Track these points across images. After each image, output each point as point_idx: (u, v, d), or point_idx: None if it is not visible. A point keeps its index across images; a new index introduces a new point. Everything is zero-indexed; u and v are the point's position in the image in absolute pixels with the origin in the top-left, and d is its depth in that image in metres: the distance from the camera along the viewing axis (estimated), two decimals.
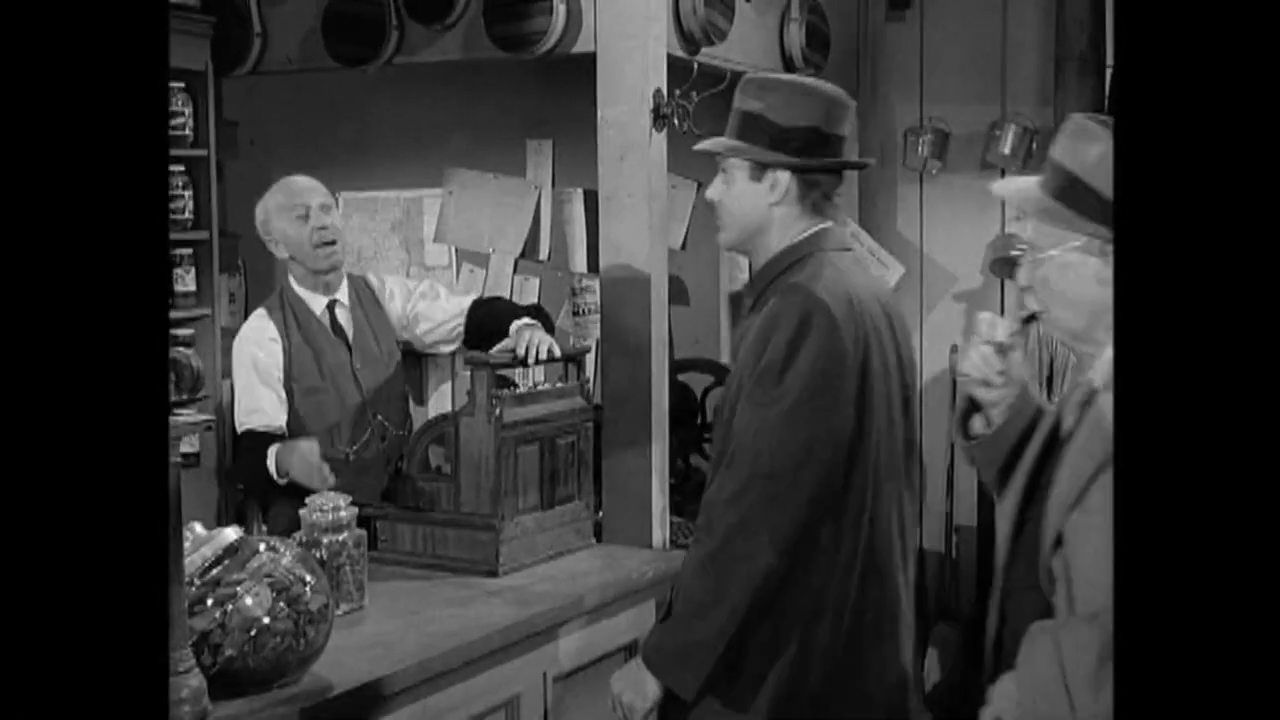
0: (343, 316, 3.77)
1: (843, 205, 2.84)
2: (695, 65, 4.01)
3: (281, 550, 2.60)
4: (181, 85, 4.95)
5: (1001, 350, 2.17)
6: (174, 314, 5.04)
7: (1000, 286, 5.24)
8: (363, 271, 4.12)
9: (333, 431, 3.66)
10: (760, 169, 2.61)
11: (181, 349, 2.53)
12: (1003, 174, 5.00)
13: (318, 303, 3.74)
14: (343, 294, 3.78)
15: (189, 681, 2.30)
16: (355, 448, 3.66)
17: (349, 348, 3.74)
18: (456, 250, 5.51)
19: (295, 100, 5.57)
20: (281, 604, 2.51)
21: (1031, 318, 2.12)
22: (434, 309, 3.91)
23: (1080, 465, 1.97)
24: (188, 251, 5.08)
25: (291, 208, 3.72)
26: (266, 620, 2.49)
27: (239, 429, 3.76)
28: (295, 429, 3.68)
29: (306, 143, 5.66)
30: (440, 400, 5.42)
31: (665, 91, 3.81)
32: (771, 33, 4.65)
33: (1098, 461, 1.91)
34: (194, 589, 2.49)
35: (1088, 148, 2.04)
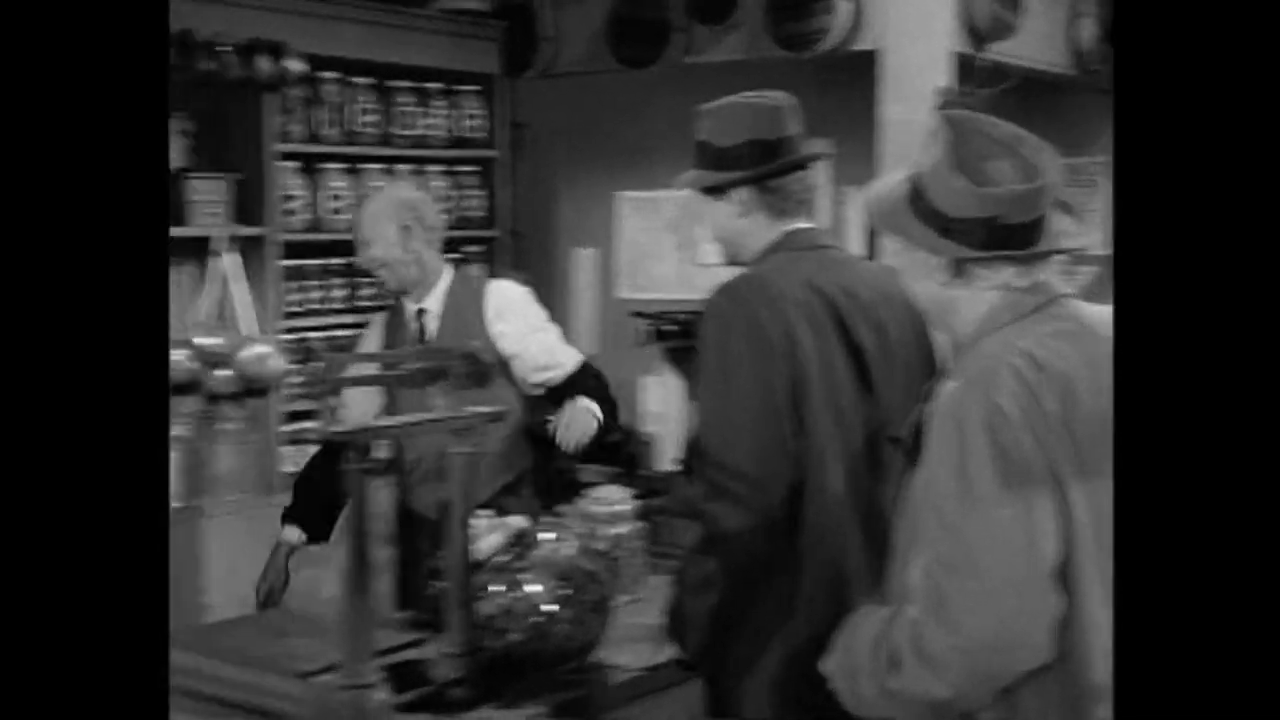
0: (430, 324, 3.65)
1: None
2: (983, 61, 3.93)
3: (565, 540, 2.67)
4: (476, 88, 5.14)
5: None
6: None
7: None
8: (479, 277, 4.01)
9: (404, 440, 3.54)
10: (719, 190, 2.70)
11: (476, 344, 2.62)
12: None
13: (410, 308, 3.66)
14: (431, 302, 3.64)
15: (372, 696, 2.33)
16: (418, 459, 3.57)
17: None
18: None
19: (581, 102, 5.70)
20: (564, 592, 2.57)
21: None
22: (532, 346, 3.69)
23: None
24: (478, 250, 5.27)
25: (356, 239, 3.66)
26: (550, 608, 2.56)
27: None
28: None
29: (588, 143, 5.79)
30: None
31: (953, 89, 3.75)
32: (1060, 28, 4.52)
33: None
34: (481, 575, 2.58)
35: (931, 148, 2.02)
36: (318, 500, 3.42)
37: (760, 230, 2.69)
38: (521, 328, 3.63)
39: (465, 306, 3.62)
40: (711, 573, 2.56)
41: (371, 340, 3.74)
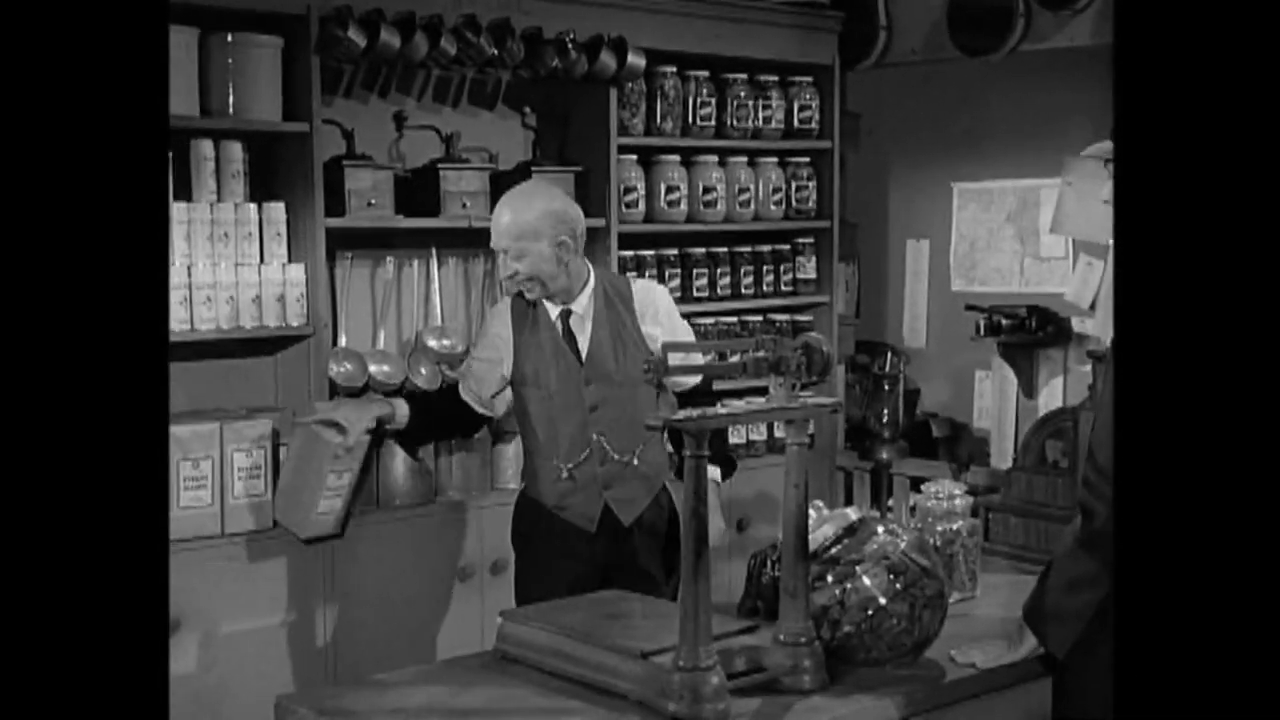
0: (576, 326, 3.50)
1: None
2: None
3: (900, 534, 2.65)
4: (810, 79, 5.15)
5: None
6: (796, 300, 5.26)
7: None
8: (620, 278, 3.79)
9: (554, 442, 3.49)
10: None
11: (813, 335, 2.63)
12: None
13: (553, 310, 3.50)
14: (579, 304, 3.49)
15: (710, 679, 2.35)
16: (571, 466, 3.48)
17: (580, 360, 3.50)
18: (1073, 242, 5.37)
19: (915, 91, 5.64)
20: (898, 586, 2.56)
21: None
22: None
23: None
24: (809, 240, 5.28)
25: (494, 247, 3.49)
26: (884, 601, 2.55)
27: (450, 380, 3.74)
28: (523, 431, 3.59)
29: (923, 132, 5.71)
30: (1051, 394, 5.31)
31: None
32: None
33: None
34: (816, 565, 2.59)
35: None
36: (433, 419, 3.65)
37: None
38: (670, 332, 3.55)
39: (615, 306, 3.53)
40: (1090, 571, 2.53)
41: (498, 335, 3.57)
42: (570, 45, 4.41)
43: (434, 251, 4.48)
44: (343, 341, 4.31)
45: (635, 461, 3.53)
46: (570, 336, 3.50)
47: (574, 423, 3.48)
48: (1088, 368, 4.95)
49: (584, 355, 3.49)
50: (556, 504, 3.51)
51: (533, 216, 3.41)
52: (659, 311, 3.57)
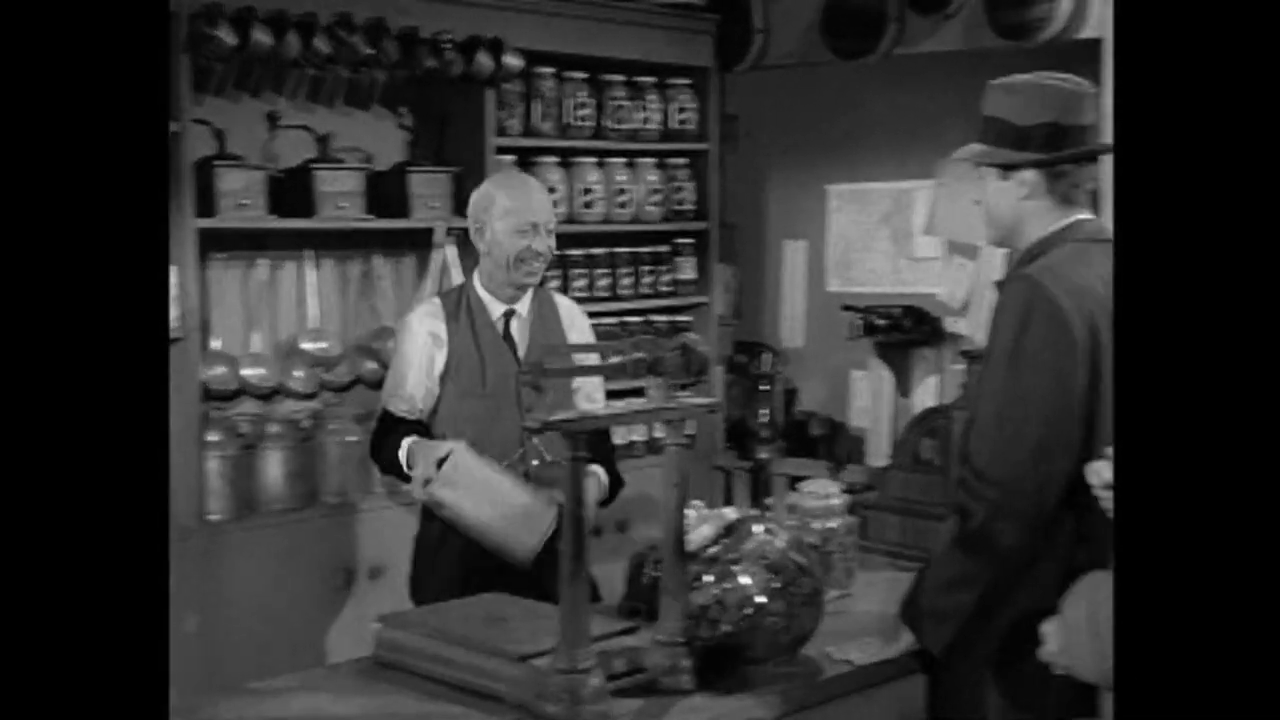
0: (516, 328, 3.46)
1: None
2: None
3: (777, 533, 2.67)
4: (687, 82, 5.18)
5: None
6: (675, 301, 5.28)
7: None
8: (549, 289, 3.77)
9: (482, 444, 3.32)
10: (1006, 168, 2.67)
11: (690, 335, 2.64)
12: None
13: (496, 308, 3.45)
14: (523, 306, 3.46)
15: (589, 681, 2.33)
16: (504, 465, 3.33)
17: (518, 360, 3.42)
18: (946, 243, 5.46)
19: (793, 94, 5.69)
20: (776, 585, 2.58)
21: None
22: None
23: None
24: (688, 242, 5.31)
25: (519, 221, 3.37)
26: (761, 600, 2.57)
27: (383, 406, 3.49)
28: (446, 431, 3.41)
29: (800, 135, 5.77)
30: (926, 393, 5.40)
31: None
32: None
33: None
34: (694, 565, 2.60)
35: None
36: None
37: (1041, 214, 2.66)
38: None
39: (548, 315, 3.52)
40: (967, 571, 2.56)
41: (421, 333, 3.45)
42: (446, 45, 4.38)
43: (309, 253, 4.42)
44: (215, 345, 4.23)
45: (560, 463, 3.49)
46: (509, 337, 3.47)
47: (509, 422, 3.40)
48: (961, 366, 5.03)
49: (522, 356, 3.45)
50: None
51: (546, 196, 3.47)
52: (583, 330, 3.58)
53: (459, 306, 3.46)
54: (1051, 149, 2.62)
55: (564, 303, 3.63)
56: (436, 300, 3.53)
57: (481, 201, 3.44)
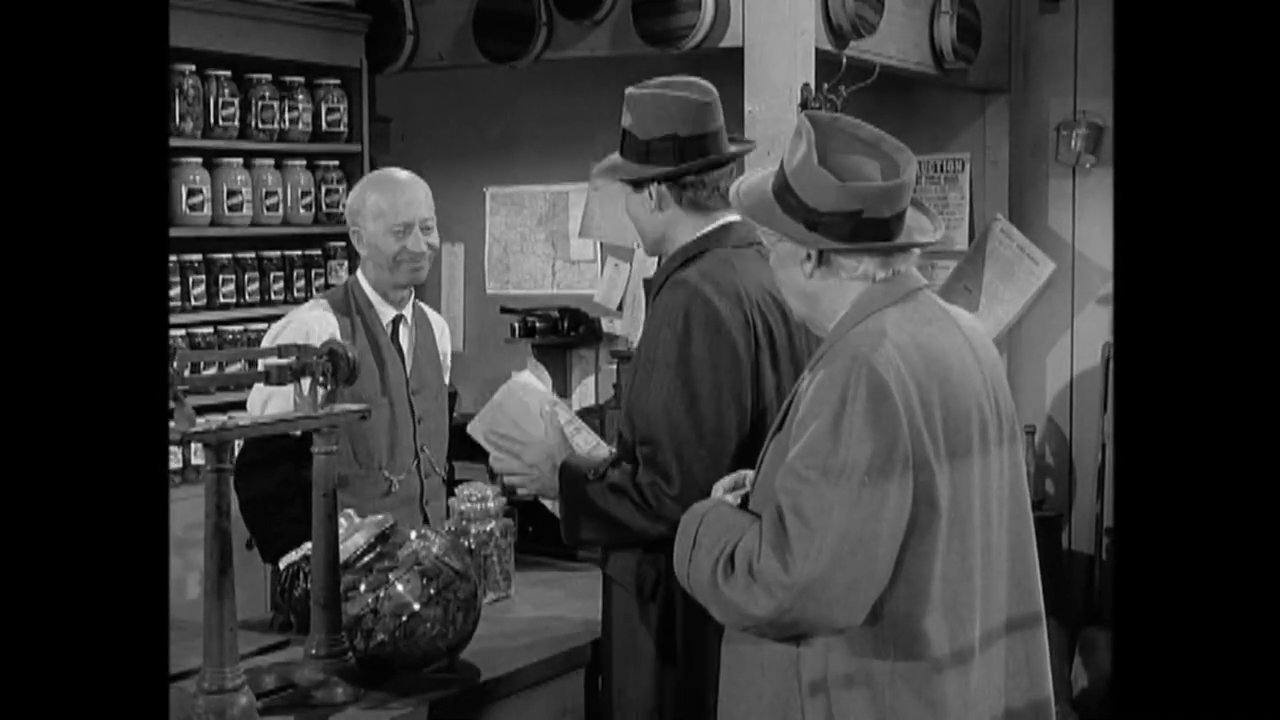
0: (404, 335, 3.35)
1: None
2: (844, 59, 3.98)
3: (431, 539, 2.65)
4: (337, 82, 5.07)
5: None
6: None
7: None
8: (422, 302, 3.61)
9: (384, 451, 3.25)
10: (635, 184, 2.70)
11: (338, 341, 2.58)
12: None
13: (386, 313, 3.30)
14: (409, 312, 3.36)
15: (238, 700, 2.28)
16: (402, 477, 3.27)
17: (405, 368, 3.34)
18: (601, 245, 5.55)
19: (446, 96, 5.67)
20: (431, 591, 2.55)
21: None
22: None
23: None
24: (342, 245, 5.20)
25: (391, 222, 3.20)
26: (417, 607, 2.54)
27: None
28: (340, 441, 3.06)
29: (456, 137, 5.75)
30: (584, 393, 5.47)
31: (813, 86, 3.79)
32: (922, 26, 4.60)
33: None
34: (348, 575, 2.55)
35: (796, 146, 2.12)
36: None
37: (682, 223, 2.67)
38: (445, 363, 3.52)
39: (424, 326, 3.42)
40: (631, 521, 2.57)
41: (323, 335, 3.10)
42: None
43: None
44: None
45: (444, 476, 3.42)
46: (397, 344, 3.31)
47: (407, 432, 3.28)
48: (615, 366, 5.13)
49: (408, 365, 3.32)
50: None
51: (424, 189, 3.30)
52: (446, 348, 3.51)
53: (351, 311, 3.26)
54: (676, 160, 2.63)
55: (435, 316, 3.52)
56: (324, 303, 3.29)
57: (354, 203, 3.28)
